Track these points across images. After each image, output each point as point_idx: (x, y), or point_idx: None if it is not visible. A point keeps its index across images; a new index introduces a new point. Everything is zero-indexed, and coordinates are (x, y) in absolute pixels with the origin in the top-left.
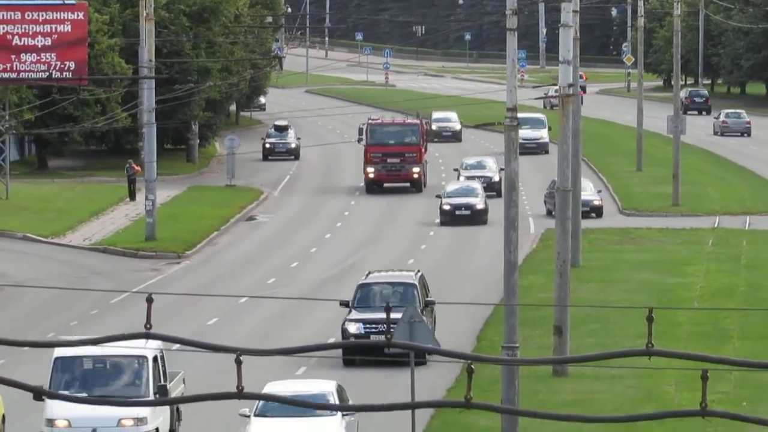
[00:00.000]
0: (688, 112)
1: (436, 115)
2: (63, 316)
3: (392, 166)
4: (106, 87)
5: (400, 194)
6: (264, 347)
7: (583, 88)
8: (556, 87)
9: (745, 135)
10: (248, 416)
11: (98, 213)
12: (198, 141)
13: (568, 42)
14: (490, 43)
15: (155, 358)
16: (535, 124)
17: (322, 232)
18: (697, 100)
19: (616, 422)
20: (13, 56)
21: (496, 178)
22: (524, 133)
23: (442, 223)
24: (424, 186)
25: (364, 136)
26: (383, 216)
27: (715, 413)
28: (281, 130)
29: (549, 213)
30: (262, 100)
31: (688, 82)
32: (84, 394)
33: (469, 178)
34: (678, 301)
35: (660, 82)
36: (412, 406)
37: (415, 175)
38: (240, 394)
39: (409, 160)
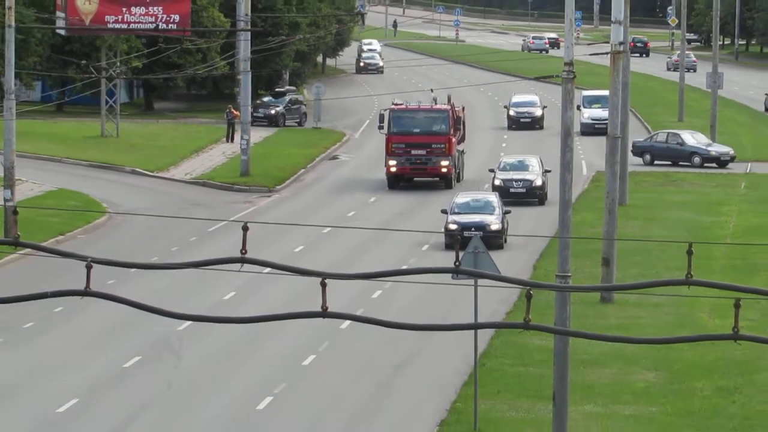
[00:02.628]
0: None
1: (515, 98)
2: (165, 242)
3: (417, 158)
4: (207, 38)
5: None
6: (346, 272)
7: (647, 51)
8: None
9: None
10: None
11: (198, 151)
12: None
13: (619, 4)
14: (550, 3)
15: None
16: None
17: None
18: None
19: (656, 344)
20: (124, 9)
21: (539, 182)
22: (593, 112)
23: (447, 246)
24: (457, 181)
25: (385, 124)
26: None
27: (746, 337)
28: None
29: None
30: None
31: (725, 43)
32: None
33: (505, 181)
34: (713, 238)
35: (700, 42)
36: (476, 326)
37: (444, 170)
38: (324, 314)
39: (436, 152)
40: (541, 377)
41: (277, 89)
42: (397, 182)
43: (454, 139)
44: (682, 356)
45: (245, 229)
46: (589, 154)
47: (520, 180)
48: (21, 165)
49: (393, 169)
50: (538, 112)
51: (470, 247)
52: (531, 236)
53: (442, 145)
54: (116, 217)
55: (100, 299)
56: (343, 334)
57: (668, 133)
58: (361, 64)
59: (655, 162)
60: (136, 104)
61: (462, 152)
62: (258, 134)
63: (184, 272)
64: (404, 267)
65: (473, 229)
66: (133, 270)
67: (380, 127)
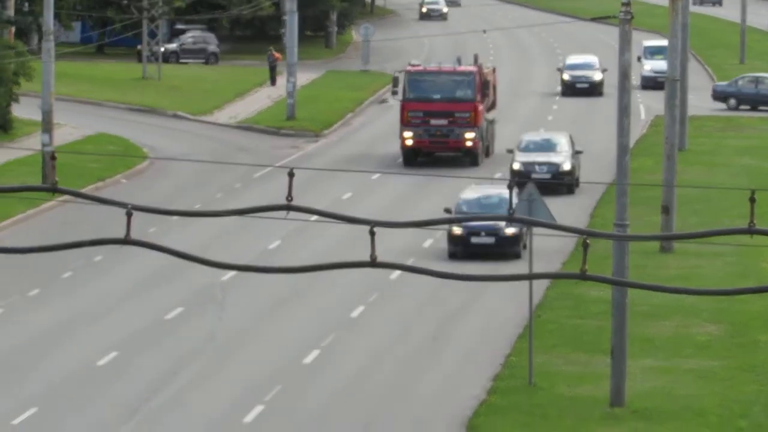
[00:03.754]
0: None
1: (570, 60)
2: (209, 189)
3: (437, 129)
4: None
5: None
6: (396, 220)
7: None
8: None
9: None
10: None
11: (242, 94)
12: (336, 29)
13: None
14: None
15: None
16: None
17: None
18: None
19: (718, 295)
20: None
21: (567, 166)
22: (655, 64)
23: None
24: (487, 156)
25: (400, 89)
26: (507, 94)
27: None
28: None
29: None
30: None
31: None
32: None
33: (526, 165)
34: None
35: None
36: (530, 277)
37: (468, 143)
38: (373, 264)
39: (460, 122)
40: (598, 330)
41: (176, 26)
42: (414, 157)
43: (481, 107)
44: (745, 308)
45: (291, 175)
46: (648, 99)
47: (545, 163)
48: (59, 108)
49: (409, 142)
50: (597, 76)
51: (524, 194)
52: (588, 183)
53: (467, 114)
54: (157, 162)
55: (140, 248)
56: (392, 285)
57: (755, 77)
58: (424, 10)
59: (740, 107)
60: None
61: (492, 122)
62: (305, 76)
63: (227, 220)
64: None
65: (483, 233)
66: (175, 218)
67: (394, 92)
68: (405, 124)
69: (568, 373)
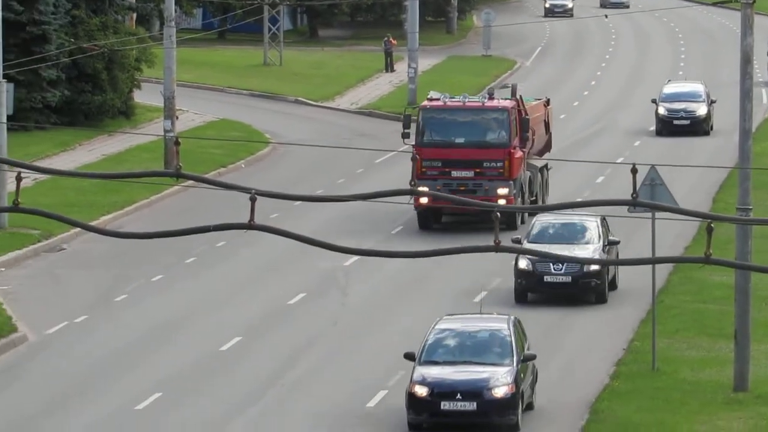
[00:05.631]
0: None
1: (668, 89)
2: (330, 174)
3: (460, 184)
4: None
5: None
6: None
7: None
8: None
9: None
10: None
11: (364, 79)
12: (457, 14)
13: None
14: None
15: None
16: None
17: (571, 100)
18: None
19: None
20: None
21: (702, 111)
22: None
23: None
24: (522, 221)
25: (413, 130)
26: (625, 83)
27: None
28: None
29: None
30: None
31: None
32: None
33: (670, 111)
34: None
35: None
36: (653, 261)
37: (501, 201)
38: (497, 248)
39: (490, 174)
40: (721, 314)
41: None
42: (430, 220)
43: (518, 154)
44: None
45: (414, 159)
46: None
47: (683, 111)
48: (181, 95)
49: (423, 200)
50: (702, 110)
51: (647, 179)
52: (710, 167)
53: (500, 163)
54: (279, 147)
55: (263, 233)
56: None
57: None
58: (547, 5)
59: None
60: (299, 31)
61: (545, 169)
62: (426, 62)
63: (351, 205)
64: (578, 200)
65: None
66: (298, 203)
67: (405, 135)
68: (419, 176)
69: (691, 357)
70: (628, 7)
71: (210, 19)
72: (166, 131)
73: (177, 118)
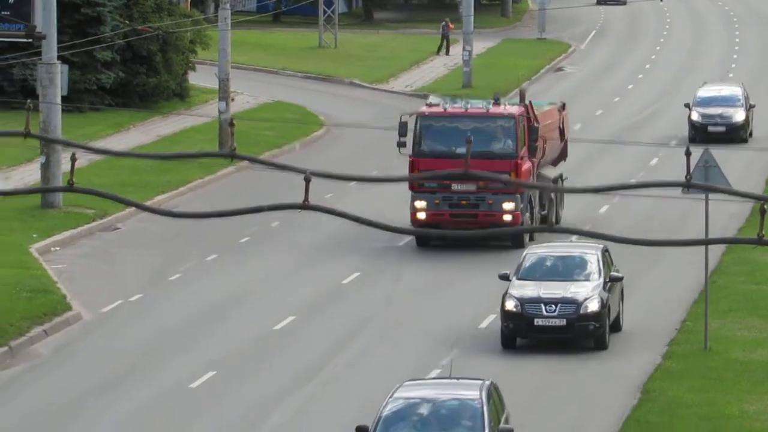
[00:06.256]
0: None
1: (702, 92)
2: (385, 156)
3: (461, 197)
4: None
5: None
6: (573, 186)
7: None
8: None
9: None
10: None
11: (418, 62)
12: None
13: None
14: None
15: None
16: None
17: (625, 83)
18: None
19: None
20: None
21: (739, 117)
22: None
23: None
24: (531, 237)
25: (409, 139)
26: (679, 68)
27: None
28: None
29: None
30: None
31: None
32: None
33: (704, 117)
34: None
35: None
36: (706, 242)
37: (507, 216)
38: (551, 228)
39: (494, 186)
40: None
41: None
42: (428, 238)
43: (526, 165)
44: None
45: (469, 141)
46: None
47: (718, 117)
48: (235, 76)
49: (421, 215)
50: (739, 116)
51: (701, 161)
52: (758, 150)
53: (506, 174)
54: (334, 129)
55: (316, 214)
56: None
57: None
58: None
59: None
60: (354, 14)
61: (559, 179)
62: (481, 45)
63: (405, 185)
64: (632, 181)
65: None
66: (352, 183)
67: (401, 144)
68: (416, 189)
69: (743, 338)
70: (624, 3)
71: (265, 2)
72: (220, 113)
73: (233, 99)
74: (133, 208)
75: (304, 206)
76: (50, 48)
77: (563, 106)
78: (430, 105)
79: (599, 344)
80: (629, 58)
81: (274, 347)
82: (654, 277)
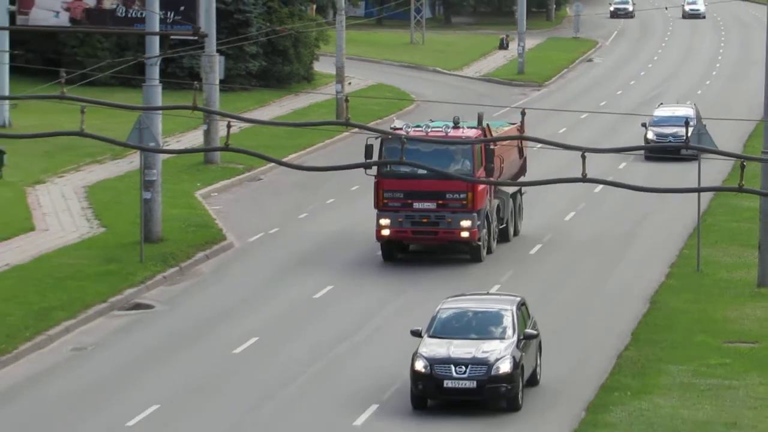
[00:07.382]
0: None
1: (659, 112)
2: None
3: (422, 215)
4: None
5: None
6: (601, 147)
7: None
8: None
9: None
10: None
11: (485, 54)
12: (554, 6)
13: None
14: None
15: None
16: None
17: (639, 70)
18: None
19: None
20: None
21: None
22: None
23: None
24: (489, 251)
25: (374, 161)
26: (682, 58)
27: None
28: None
29: None
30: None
31: None
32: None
33: (659, 136)
34: None
35: None
36: (698, 190)
37: (464, 233)
38: (584, 179)
39: (453, 206)
40: (749, 231)
41: None
42: (393, 253)
43: (481, 186)
44: None
45: (523, 113)
46: None
47: (672, 135)
48: (348, 65)
49: (385, 232)
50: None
51: (695, 129)
52: (738, 119)
53: (462, 195)
54: (423, 104)
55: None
56: (596, 196)
57: None
58: (612, 8)
59: None
60: (437, 19)
61: (517, 194)
62: (531, 42)
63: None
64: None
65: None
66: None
67: (366, 166)
68: (380, 208)
69: (726, 263)
70: (632, 17)
71: (370, 9)
72: (337, 92)
73: (349, 83)
74: (273, 164)
75: (402, 138)
76: (211, 43)
77: (522, 125)
78: (394, 129)
79: (512, 406)
80: (642, 52)
81: (313, 312)
82: (660, 216)
